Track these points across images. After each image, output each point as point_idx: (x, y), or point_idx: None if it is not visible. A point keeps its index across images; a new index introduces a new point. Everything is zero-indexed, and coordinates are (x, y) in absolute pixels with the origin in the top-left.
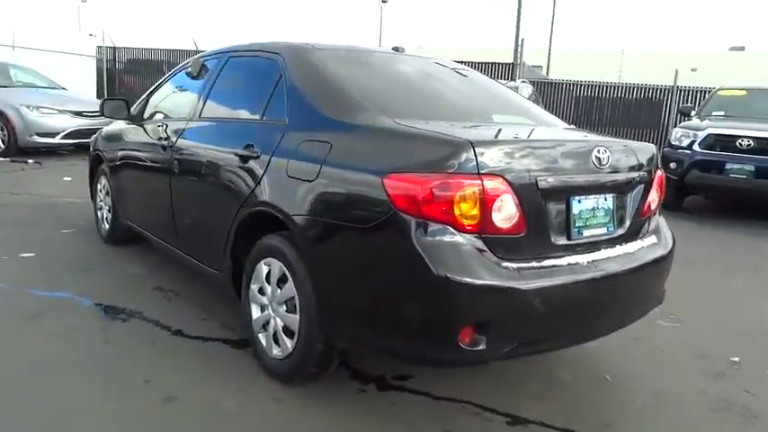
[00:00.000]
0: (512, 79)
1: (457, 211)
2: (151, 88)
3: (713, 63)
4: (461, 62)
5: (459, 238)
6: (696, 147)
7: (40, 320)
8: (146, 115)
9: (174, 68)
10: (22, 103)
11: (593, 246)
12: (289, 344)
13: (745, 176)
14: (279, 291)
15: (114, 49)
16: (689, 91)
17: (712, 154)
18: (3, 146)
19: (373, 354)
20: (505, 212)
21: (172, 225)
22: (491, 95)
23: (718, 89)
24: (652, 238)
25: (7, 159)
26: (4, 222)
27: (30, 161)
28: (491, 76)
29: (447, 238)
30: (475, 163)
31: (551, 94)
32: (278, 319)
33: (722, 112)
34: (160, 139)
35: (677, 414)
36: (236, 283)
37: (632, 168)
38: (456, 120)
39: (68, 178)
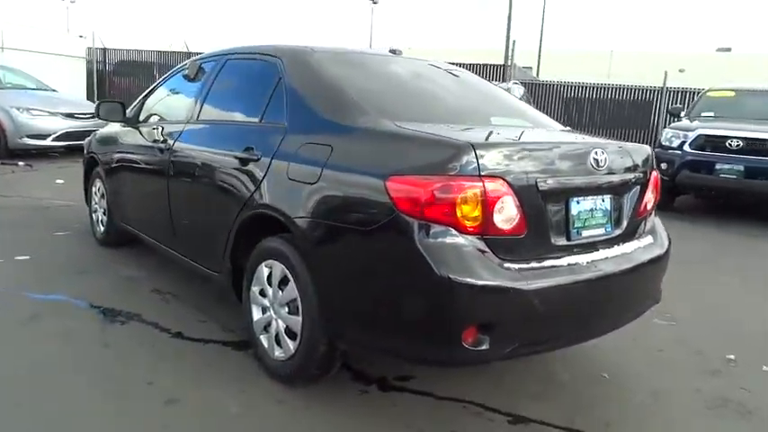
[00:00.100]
0: (503, 80)
1: (459, 213)
2: (146, 91)
3: (701, 64)
4: (453, 64)
5: (461, 239)
6: (686, 147)
7: (38, 323)
8: (141, 118)
9: (169, 71)
10: (12, 104)
11: (592, 246)
12: (291, 345)
13: (734, 176)
14: (280, 293)
15: (104, 50)
16: (678, 92)
17: (702, 154)
18: None
19: (375, 355)
20: (506, 214)
21: (170, 227)
22: (488, 98)
23: (708, 90)
24: (648, 238)
25: None
26: None
27: (20, 163)
28: (482, 78)
29: (449, 240)
30: (476, 165)
31: (542, 95)
32: (280, 321)
33: (711, 113)
34: (157, 141)
35: (675, 411)
36: (235, 285)
37: (629, 169)
38: (455, 122)
39: (60, 181)
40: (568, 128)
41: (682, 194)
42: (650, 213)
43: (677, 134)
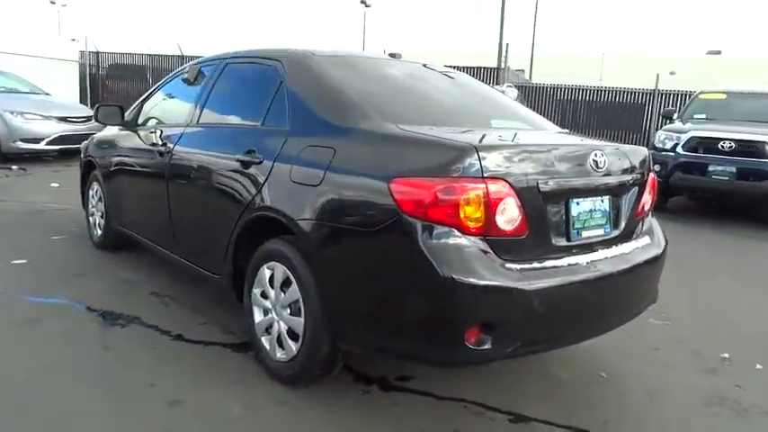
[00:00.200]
0: (497, 83)
1: (462, 214)
2: (145, 94)
3: (691, 66)
4: (447, 67)
5: (464, 240)
6: (679, 149)
7: (38, 326)
8: (140, 121)
9: (161, 74)
10: (6, 108)
11: (591, 246)
12: (293, 346)
13: (727, 178)
14: (282, 294)
15: (97, 53)
16: (669, 94)
17: (695, 156)
18: None
19: (377, 356)
20: (509, 215)
21: (169, 230)
22: (487, 100)
23: (700, 93)
24: (646, 239)
25: None
26: None
27: (14, 167)
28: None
29: (452, 240)
30: (479, 167)
31: (535, 98)
32: (281, 323)
33: (704, 115)
34: (156, 144)
35: (672, 409)
36: (236, 287)
37: (626, 171)
38: (456, 125)
39: (55, 184)
40: (566, 130)
41: (675, 196)
42: (647, 214)
43: (670, 136)
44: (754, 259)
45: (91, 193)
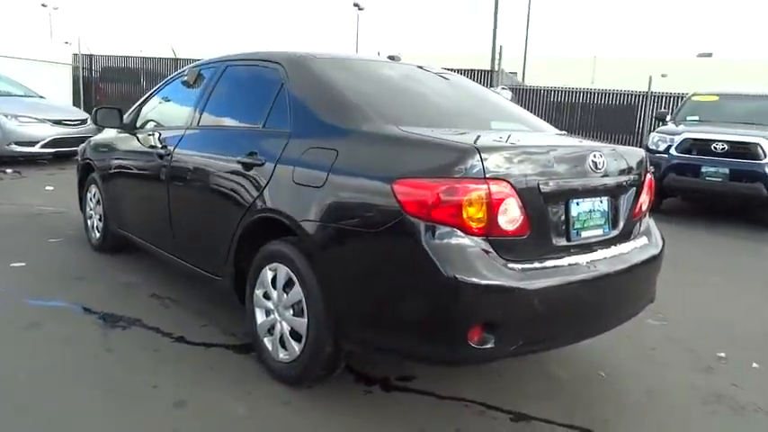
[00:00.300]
0: (491, 86)
1: (465, 214)
2: (143, 97)
3: (682, 69)
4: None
5: (466, 240)
6: (673, 151)
7: (39, 329)
8: (139, 124)
9: (155, 77)
10: (0, 111)
11: (591, 246)
12: (296, 347)
13: (720, 179)
14: (285, 295)
15: (90, 56)
16: (662, 96)
17: (689, 158)
18: None
19: (380, 355)
20: (510, 215)
21: (169, 232)
22: (486, 102)
23: (692, 95)
24: (643, 239)
25: None
26: None
27: (8, 170)
28: None
29: (455, 241)
30: (481, 168)
31: (529, 101)
32: (284, 323)
33: (696, 117)
34: (155, 147)
35: (670, 408)
36: (237, 288)
37: (624, 172)
38: (457, 126)
39: (50, 187)
40: (564, 132)
41: (669, 197)
42: (645, 214)
43: (664, 138)
44: (747, 259)
45: (89, 195)
